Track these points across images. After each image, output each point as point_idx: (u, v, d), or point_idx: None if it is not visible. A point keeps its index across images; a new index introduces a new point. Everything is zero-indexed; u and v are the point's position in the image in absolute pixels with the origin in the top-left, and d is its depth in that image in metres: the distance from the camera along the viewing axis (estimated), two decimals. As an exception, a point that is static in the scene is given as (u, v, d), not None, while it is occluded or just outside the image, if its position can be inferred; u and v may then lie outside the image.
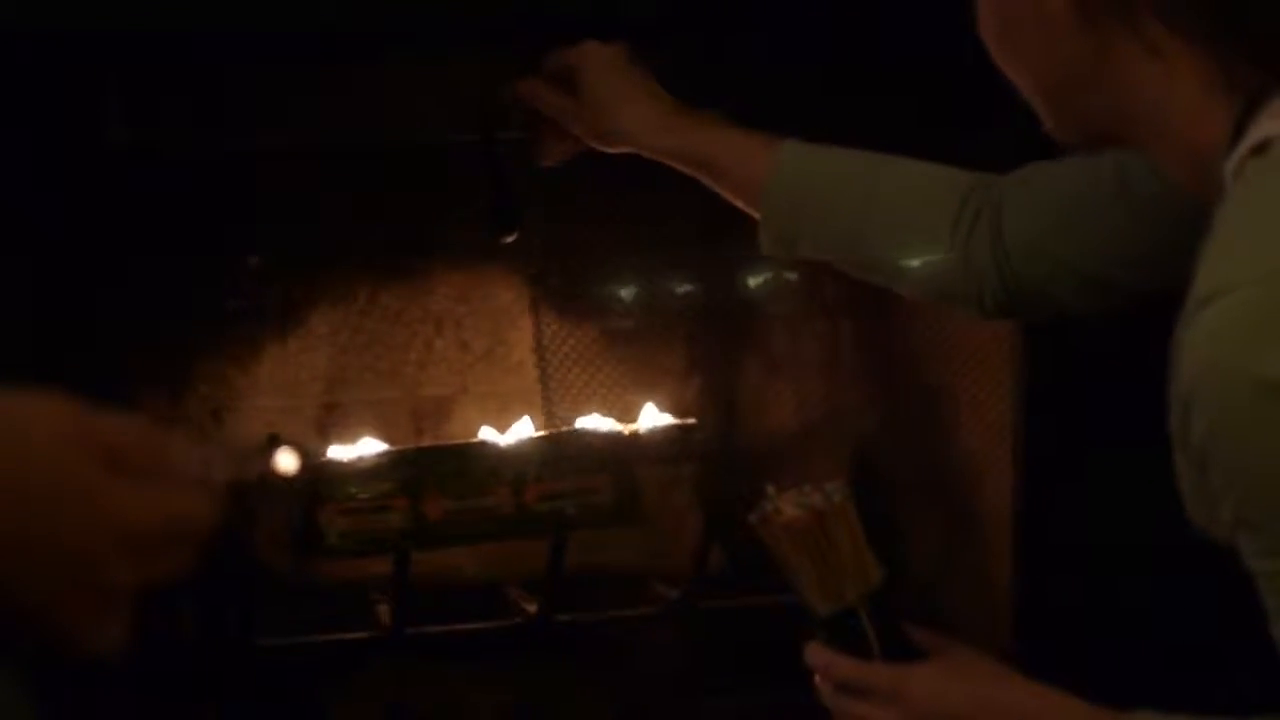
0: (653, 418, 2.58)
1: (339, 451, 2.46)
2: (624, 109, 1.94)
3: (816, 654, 1.58)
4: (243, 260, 2.47)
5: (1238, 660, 1.48)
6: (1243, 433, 1.22)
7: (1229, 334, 1.21)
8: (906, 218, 1.82)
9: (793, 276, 2.65)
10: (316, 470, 2.42)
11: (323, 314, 2.54)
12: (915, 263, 1.82)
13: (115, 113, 2.16)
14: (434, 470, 2.46)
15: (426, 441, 2.57)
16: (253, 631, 2.38)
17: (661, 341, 2.66)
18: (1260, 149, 1.29)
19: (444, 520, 2.44)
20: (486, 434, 2.53)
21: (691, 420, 2.60)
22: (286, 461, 2.33)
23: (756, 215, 1.90)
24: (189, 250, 2.39)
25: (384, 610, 2.40)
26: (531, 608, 2.45)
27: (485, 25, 2.17)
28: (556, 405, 2.62)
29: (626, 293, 2.65)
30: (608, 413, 2.59)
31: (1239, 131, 1.32)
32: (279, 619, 2.40)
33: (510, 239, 2.18)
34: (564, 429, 2.56)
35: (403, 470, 2.44)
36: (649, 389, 2.63)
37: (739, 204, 1.92)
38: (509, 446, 2.49)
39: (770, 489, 1.60)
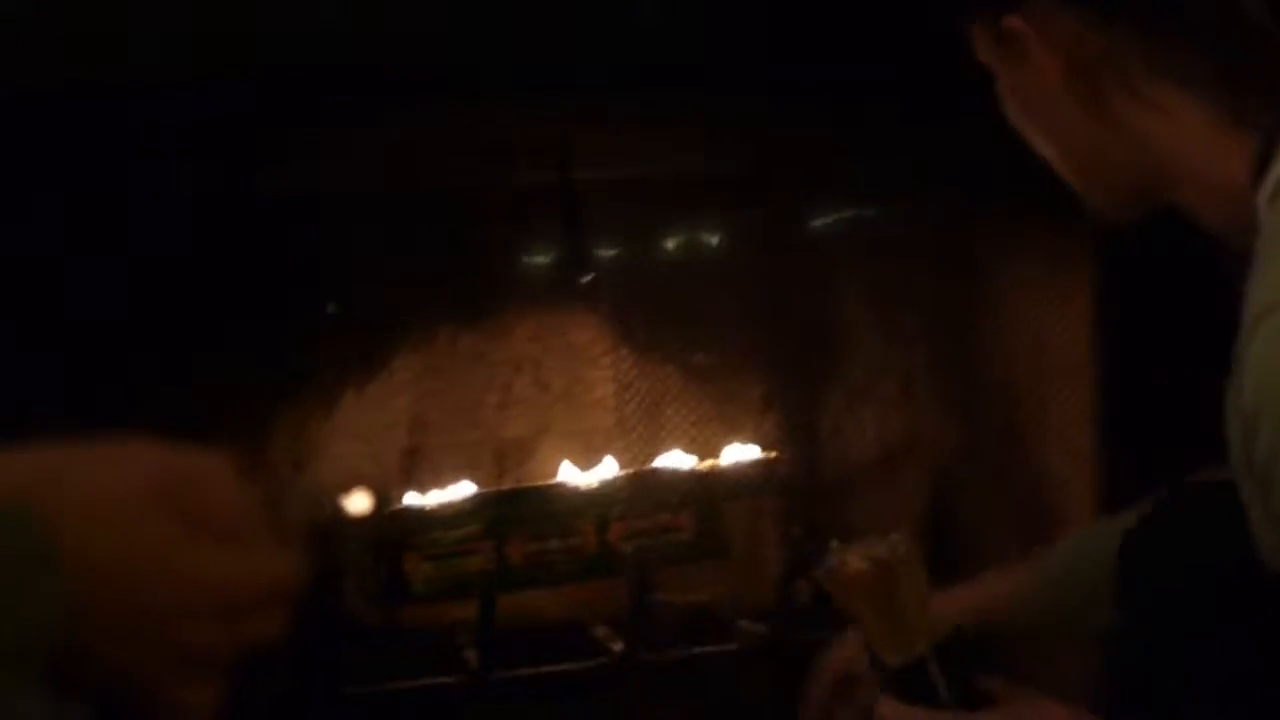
0: (734, 453, 2.58)
1: (422, 496, 2.47)
2: None
3: (887, 706, 1.57)
4: (321, 308, 2.48)
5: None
6: None
7: None
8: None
9: (872, 307, 2.65)
10: (400, 516, 2.43)
11: (402, 359, 2.54)
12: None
13: (186, 159, 2.17)
14: (517, 512, 2.46)
15: (508, 483, 2.57)
16: (341, 680, 2.39)
17: (740, 376, 2.66)
18: None
19: (528, 562, 2.45)
20: (568, 474, 2.53)
21: (773, 454, 2.59)
22: (361, 504, 2.34)
23: None
24: (268, 299, 2.40)
25: (471, 654, 2.40)
26: (617, 647, 2.44)
27: (562, 69, 2.18)
28: (637, 443, 2.62)
29: (703, 329, 2.64)
30: (688, 449, 2.58)
31: (1263, 163, 1.32)
32: (367, 666, 2.40)
33: (586, 279, 2.19)
34: (645, 467, 2.56)
35: (485, 513, 2.45)
36: (729, 424, 2.63)
37: None
38: (591, 486, 2.49)
39: (834, 542, 1.59)
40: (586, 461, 2.56)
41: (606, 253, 2.44)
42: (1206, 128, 1.37)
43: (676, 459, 2.56)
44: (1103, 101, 1.41)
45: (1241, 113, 1.35)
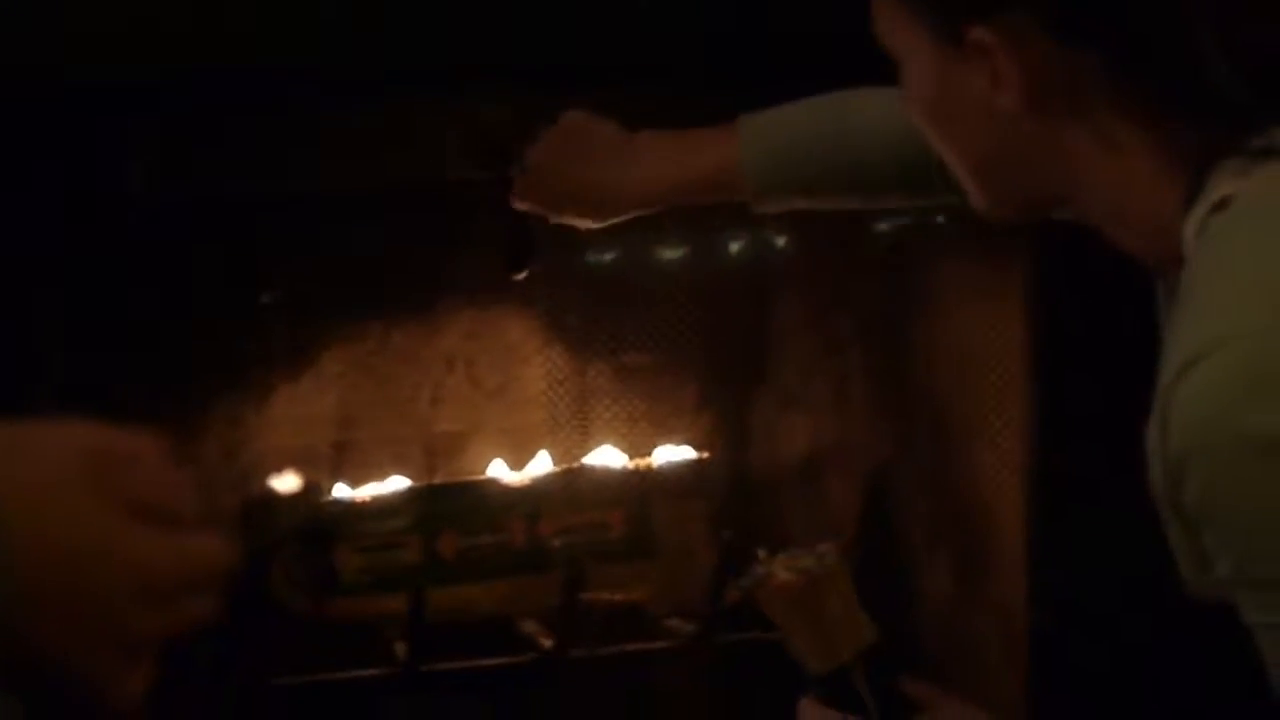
0: (666, 452, 2.58)
1: (353, 490, 2.46)
2: (611, 177, 1.93)
3: (810, 712, 1.58)
4: (254, 300, 2.47)
5: (1248, 700, 1.47)
6: (1240, 491, 1.20)
7: (1219, 392, 1.20)
8: (876, 124, 1.80)
9: (805, 310, 2.66)
10: (331, 508, 2.43)
11: (334, 353, 2.54)
12: (892, 165, 1.81)
13: (127, 157, 2.17)
14: (448, 507, 2.46)
15: (440, 479, 2.57)
16: (269, 670, 2.38)
17: (674, 376, 2.66)
18: (1220, 206, 1.29)
19: (458, 556, 2.45)
20: (499, 470, 2.53)
21: (705, 454, 2.60)
22: (291, 494, 2.34)
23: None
24: (199, 291, 2.40)
25: (399, 647, 2.39)
26: (546, 643, 2.44)
27: (495, 62, 2.18)
28: (568, 440, 2.62)
29: (638, 328, 2.65)
30: (620, 447, 2.59)
31: (1191, 196, 1.32)
32: (295, 658, 2.40)
33: (522, 276, 2.18)
34: (577, 464, 2.56)
35: (417, 507, 2.45)
36: (661, 424, 2.64)
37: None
38: (522, 482, 2.50)
39: (762, 553, 1.61)
40: (518, 458, 2.56)
41: (543, 251, 2.43)
42: (1150, 166, 1.36)
43: (608, 457, 2.57)
44: (1053, 125, 1.39)
45: (1180, 151, 1.35)
